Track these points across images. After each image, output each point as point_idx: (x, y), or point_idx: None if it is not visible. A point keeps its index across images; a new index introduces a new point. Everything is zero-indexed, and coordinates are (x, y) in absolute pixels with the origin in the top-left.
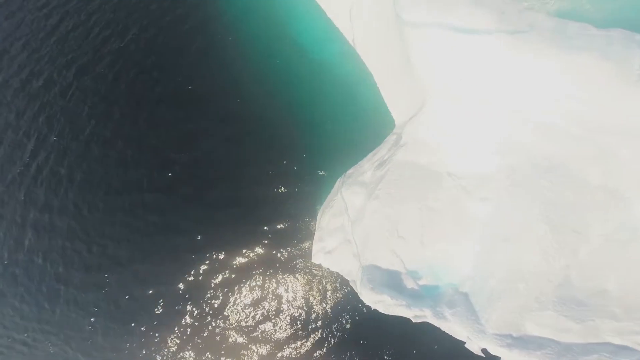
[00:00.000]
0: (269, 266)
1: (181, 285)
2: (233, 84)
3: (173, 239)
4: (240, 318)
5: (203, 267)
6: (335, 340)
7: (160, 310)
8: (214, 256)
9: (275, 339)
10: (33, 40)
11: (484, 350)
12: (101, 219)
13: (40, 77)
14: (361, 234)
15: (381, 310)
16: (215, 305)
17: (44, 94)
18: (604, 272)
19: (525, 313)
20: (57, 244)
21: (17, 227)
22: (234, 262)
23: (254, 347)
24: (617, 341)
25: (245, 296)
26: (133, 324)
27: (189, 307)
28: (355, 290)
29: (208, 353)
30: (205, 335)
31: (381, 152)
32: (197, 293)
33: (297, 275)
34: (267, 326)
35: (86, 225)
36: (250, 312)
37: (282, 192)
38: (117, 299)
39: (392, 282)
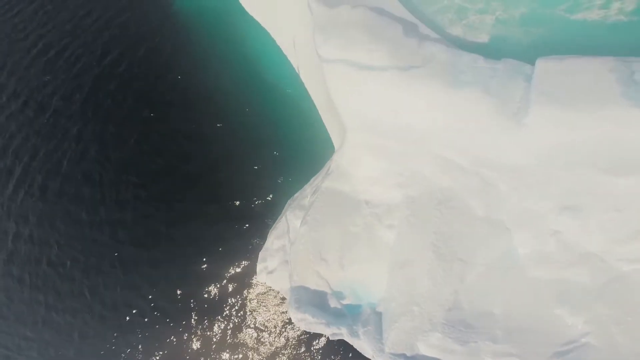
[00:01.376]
0: (219, 282)
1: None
2: (186, 108)
3: (132, 252)
4: (192, 331)
5: (164, 282)
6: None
7: (127, 319)
8: (170, 271)
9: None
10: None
11: None
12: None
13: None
14: (293, 257)
15: (303, 328)
16: (168, 319)
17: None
18: (489, 297)
19: (418, 334)
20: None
21: None
22: (189, 279)
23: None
24: None
25: (197, 311)
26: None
27: (146, 318)
28: None
29: None
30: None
31: (318, 178)
32: (162, 306)
33: (244, 290)
34: (212, 338)
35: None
36: (200, 326)
37: (237, 211)
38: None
39: (318, 301)
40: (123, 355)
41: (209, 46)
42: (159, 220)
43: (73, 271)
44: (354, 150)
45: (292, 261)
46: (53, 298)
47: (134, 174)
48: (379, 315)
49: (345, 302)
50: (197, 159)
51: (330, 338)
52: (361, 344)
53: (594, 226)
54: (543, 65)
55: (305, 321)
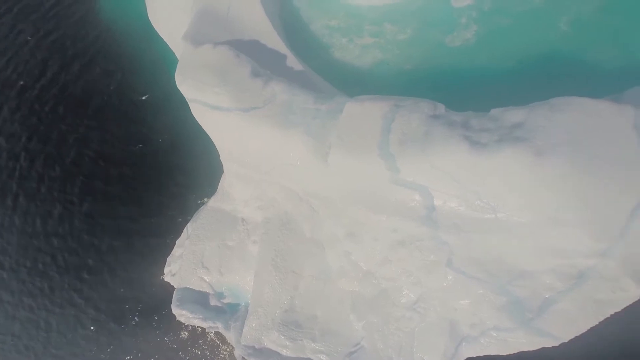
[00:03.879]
0: (133, 282)
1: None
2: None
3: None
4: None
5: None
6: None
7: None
8: (100, 276)
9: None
10: None
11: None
12: None
13: None
14: (180, 264)
15: (184, 321)
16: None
17: None
18: (314, 303)
19: (263, 331)
20: None
21: None
22: (112, 281)
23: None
24: (313, 357)
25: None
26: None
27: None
28: None
29: None
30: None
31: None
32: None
33: (153, 289)
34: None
35: None
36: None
37: (156, 224)
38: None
39: (202, 300)
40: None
41: (137, 65)
42: (86, 232)
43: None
44: (229, 176)
45: (179, 267)
46: None
47: (69, 192)
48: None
49: (225, 301)
50: (119, 178)
51: (207, 330)
52: (230, 336)
53: (365, 250)
54: (349, 106)
55: (185, 316)
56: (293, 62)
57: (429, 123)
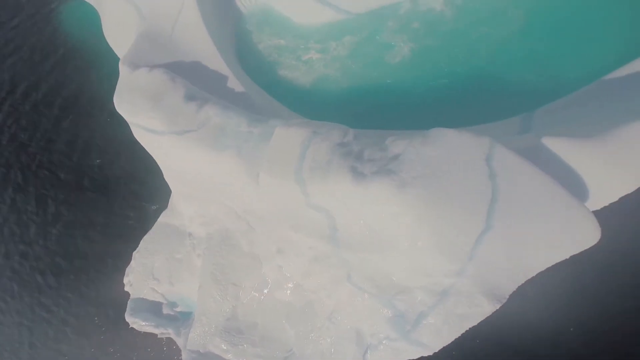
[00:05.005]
0: (95, 291)
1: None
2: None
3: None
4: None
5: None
6: None
7: None
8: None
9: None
10: None
11: None
12: None
13: None
14: (133, 275)
15: (137, 329)
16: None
17: None
18: (255, 311)
19: (207, 337)
20: None
21: None
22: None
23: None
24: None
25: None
26: None
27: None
28: None
29: None
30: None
31: None
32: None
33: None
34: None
35: None
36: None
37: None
38: None
39: (155, 309)
40: None
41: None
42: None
43: None
44: (175, 193)
45: (132, 279)
46: None
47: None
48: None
49: (178, 309)
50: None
51: (159, 336)
52: (180, 342)
53: (293, 264)
54: (278, 131)
55: (137, 324)
56: (234, 83)
57: (333, 151)
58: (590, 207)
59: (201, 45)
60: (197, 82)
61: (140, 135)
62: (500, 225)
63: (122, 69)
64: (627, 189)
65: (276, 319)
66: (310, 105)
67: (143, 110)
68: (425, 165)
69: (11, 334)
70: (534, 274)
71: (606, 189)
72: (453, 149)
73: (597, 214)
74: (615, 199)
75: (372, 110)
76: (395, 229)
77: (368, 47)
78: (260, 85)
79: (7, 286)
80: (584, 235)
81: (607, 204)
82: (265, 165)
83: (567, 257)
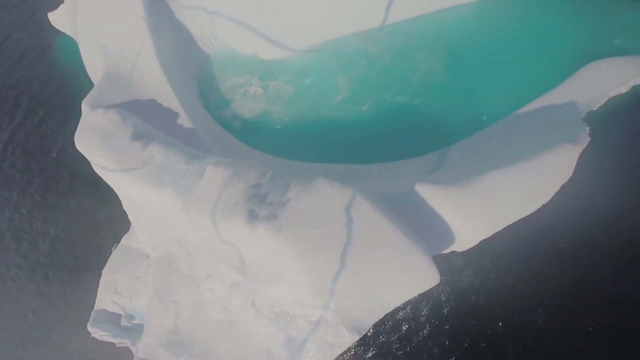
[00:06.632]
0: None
1: None
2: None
3: None
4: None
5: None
6: None
7: None
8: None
9: None
10: None
11: None
12: None
13: None
14: (99, 290)
15: (97, 338)
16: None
17: None
18: (196, 326)
19: (153, 347)
20: None
21: None
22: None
23: None
24: None
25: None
26: None
27: None
28: None
29: None
30: None
31: None
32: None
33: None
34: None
35: None
36: None
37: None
38: None
39: (115, 320)
40: None
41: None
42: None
43: None
44: (132, 220)
45: (99, 292)
46: None
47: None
48: None
49: (135, 322)
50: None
51: (117, 346)
52: (135, 351)
53: (220, 287)
54: (208, 170)
55: (97, 333)
56: (184, 120)
57: (244, 193)
58: (456, 249)
59: (156, 85)
60: (150, 120)
61: (97, 169)
62: (352, 265)
63: (84, 109)
64: (485, 234)
65: (211, 335)
66: (259, 136)
67: (95, 149)
68: (300, 212)
69: None
70: (389, 309)
71: (468, 234)
72: (323, 198)
73: (460, 254)
74: (476, 242)
75: (312, 143)
76: (280, 266)
77: (311, 87)
78: (217, 120)
79: None
80: (423, 279)
81: (471, 246)
82: (194, 202)
83: (413, 296)
